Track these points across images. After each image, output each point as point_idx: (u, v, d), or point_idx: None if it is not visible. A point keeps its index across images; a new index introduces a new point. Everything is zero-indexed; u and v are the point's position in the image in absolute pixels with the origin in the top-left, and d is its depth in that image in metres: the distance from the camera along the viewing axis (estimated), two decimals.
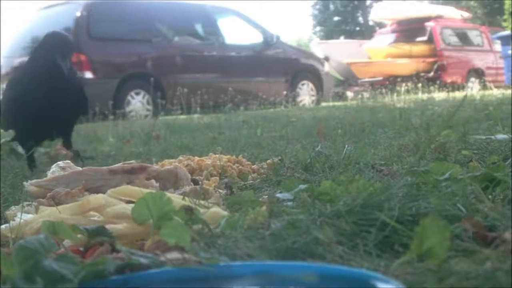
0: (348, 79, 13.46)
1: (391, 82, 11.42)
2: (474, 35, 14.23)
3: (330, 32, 30.92)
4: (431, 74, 12.87)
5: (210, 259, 0.82)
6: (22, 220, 1.15)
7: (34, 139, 2.54)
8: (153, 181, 1.51)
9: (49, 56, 2.35)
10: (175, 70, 8.79)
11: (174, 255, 0.85)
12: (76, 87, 2.53)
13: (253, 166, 2.03)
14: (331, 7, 32.55)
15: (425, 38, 13.47)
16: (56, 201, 1.37)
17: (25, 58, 2.61)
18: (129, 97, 8.27)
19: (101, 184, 1.50)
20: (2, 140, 2.91)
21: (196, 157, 2.08)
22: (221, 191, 1.60)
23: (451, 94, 9.00)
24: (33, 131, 2.48)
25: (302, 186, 1.32)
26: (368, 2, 31.06)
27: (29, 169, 2.45)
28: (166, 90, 8.34)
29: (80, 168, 1.64)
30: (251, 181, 1.82)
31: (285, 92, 9.52)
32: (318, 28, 33.28)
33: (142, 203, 1.00)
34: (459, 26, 14.19)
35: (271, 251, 0.89)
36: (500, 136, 2.03)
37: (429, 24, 13.46)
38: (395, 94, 9.37)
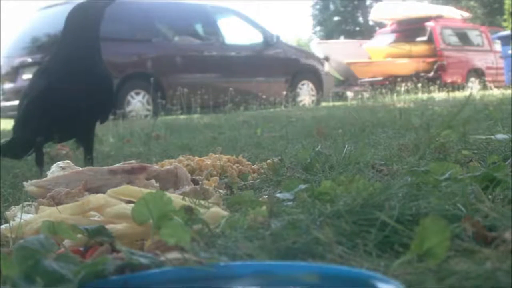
0: (348, 79, 13.47)
1: (391, 82, 11.40)
2: (474, 35, 14.22)
3: (330, 32, 30.92)
4: (431, 74, 12.86)
5: (210, 259, 0.82)
6: (22, 220, 1.15)
7: (51, 137, 2.32)
8: (153, 181, 1.51)
9: (80, 35, 2.22)
10: (175, 70, 8.78)
11: (174, 255, 0.85)
12: (107, 76, 2.30)
13: (253, 166, 2.03)
14: (331, 7, 32.54)
15: (425, 38, 13.47)
16: (56, 201, 1.37)
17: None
18: (129, 97, 8.27)
19: (101, 184, 1.50)
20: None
21: (196, 157, 2.08)
22: (221, 191, 1.60)
23: (451, 94, 8.99)
24: (54, 127, 2.22)
25: (302, 186, 1.32)
26: (368, 2, 31.04)
27: (37, 165, 2.28)
28: (166, 90, 8.34)
29: (80, 168, 1.64)
30: (251, 181, 1.82)
31: (285, 92, 9.51)
32: (318, 28, 33.28)
33: (142, 203, 1.00)
34: (459, 26, 14.18)
35: (271, 251, 0.89)
36: (500, 136, 2.03)
37: (429, 24, 13.45)
38: (395, 94, 9.36)
